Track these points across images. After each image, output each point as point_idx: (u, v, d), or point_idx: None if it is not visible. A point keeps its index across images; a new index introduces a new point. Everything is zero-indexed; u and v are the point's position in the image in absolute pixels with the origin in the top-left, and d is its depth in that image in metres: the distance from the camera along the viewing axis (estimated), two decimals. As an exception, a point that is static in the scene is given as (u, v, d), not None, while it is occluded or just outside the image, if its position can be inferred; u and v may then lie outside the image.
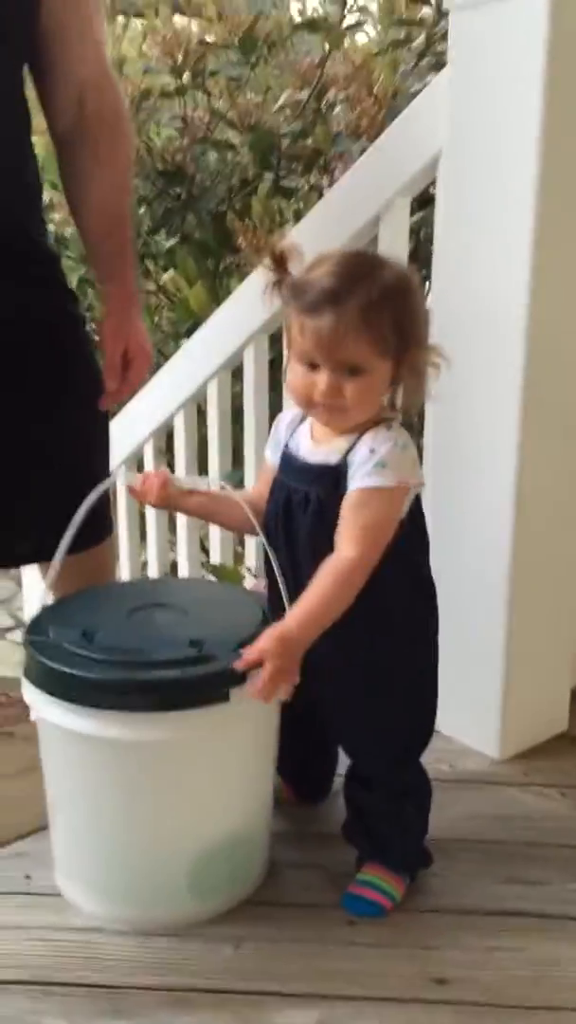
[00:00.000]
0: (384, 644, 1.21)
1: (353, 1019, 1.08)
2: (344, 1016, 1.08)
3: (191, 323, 2.41)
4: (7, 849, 1.35)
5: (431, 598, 1.25)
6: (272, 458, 1.26)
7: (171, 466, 2.33)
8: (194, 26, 2.34)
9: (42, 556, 1.67)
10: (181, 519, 2.27)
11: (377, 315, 1.09)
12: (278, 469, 1.23)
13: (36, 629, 1.22)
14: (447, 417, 1.53)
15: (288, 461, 1.21)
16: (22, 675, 1.20)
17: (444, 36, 2.28)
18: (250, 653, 1.10)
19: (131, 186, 1.58)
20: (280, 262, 1.14)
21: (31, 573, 2.34)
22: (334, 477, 1.16)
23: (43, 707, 1.15)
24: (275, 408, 2.08)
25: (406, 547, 1.19)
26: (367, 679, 1.22)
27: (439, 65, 2.31)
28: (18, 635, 3.85)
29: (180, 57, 2.27)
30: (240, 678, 1.12)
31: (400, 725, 1.26)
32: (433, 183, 1.62)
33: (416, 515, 1.21)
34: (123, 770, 1.16)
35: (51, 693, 1.14)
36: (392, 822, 1.27)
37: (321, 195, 2.28)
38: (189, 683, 1.11)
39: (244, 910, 1.24)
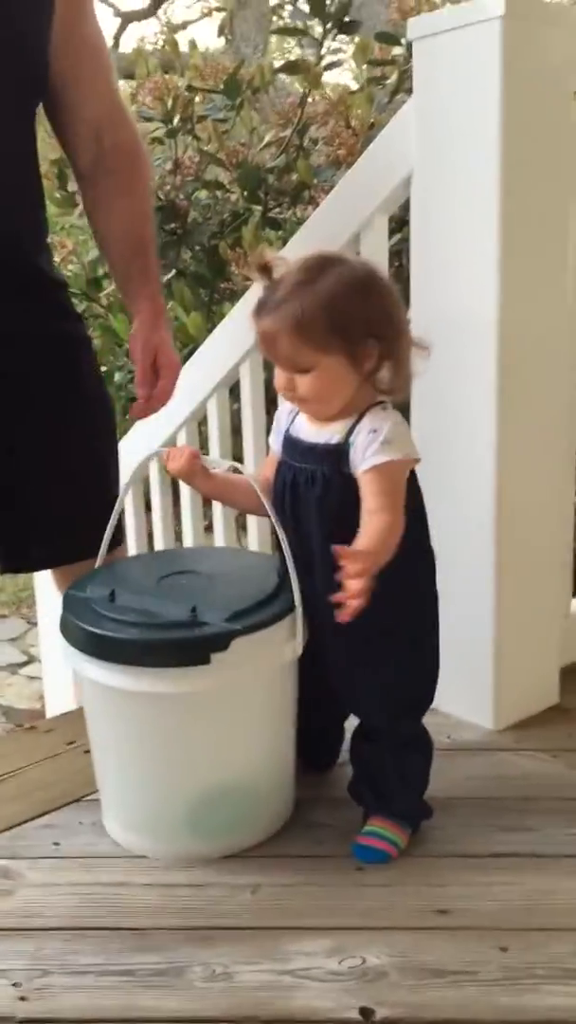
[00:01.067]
0: (389, 607, 1.29)
1: (364, 946, 1.17)
2: (355, 944, 1.18)
3: (189, 349, 2.56)
4: (37, 822, 1.45)
5: (431, 567, 1.37)
6: (275, 445, 1.38)
7: (175, 482, 2.45)
8: (180, 80, 2.51)
9: (56, 561, 1.79)
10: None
11: (311, 320, 1.20)
12: (282, 453, 1.35)
13: (78, 586, 1.39)
14: (430, 412, 1.65)
15: (293, 444, 1.33)
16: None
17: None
18: (349, 577, 1.18)
19: (152, 212, 1.70)
20: (266, 271, 1.26)
21: (45, 584, 2.41)
22: (337, 455, 1.27)
23: (69, 655, 1.32)
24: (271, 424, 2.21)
25: (409, 521, 1.29)
26: (373, 640, 1.31)
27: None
28: (32, 669, 3.96)
29: (170, 102, 2.43)
30: (223, 644, 1.24)
31: (403, 682, 1.36)
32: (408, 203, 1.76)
33: (414, 489, 1.32)
34: (127, 716, 1.33)
35: (72, 644, 1.31)
36: (395, 774, 1.37)
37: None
38: (175, 644, 1.25)
39: (259, 861, 1.34)
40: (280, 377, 1.27)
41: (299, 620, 1.31)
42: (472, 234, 1.54)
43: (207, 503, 2.40)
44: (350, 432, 1.27)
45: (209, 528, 2.49)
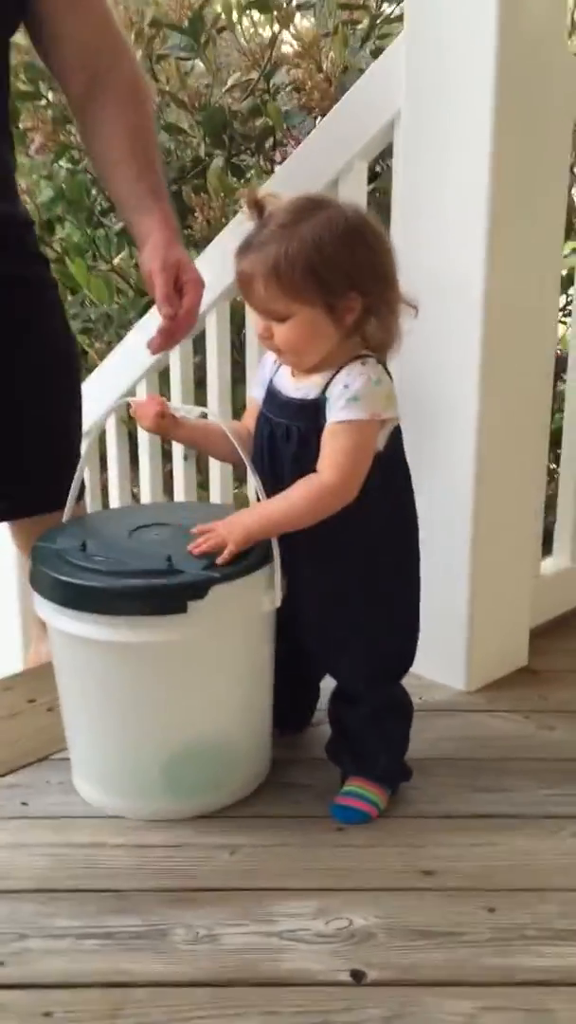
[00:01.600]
0: (371, 573, 1.29)
1: (350, 906, 1.15)
2: (341, 905, 1.15)
3: (148, 299, 2.47)
4: (1, 781, 1.39)
5: (413, 529, 1.33)
6: (258, 395, 1.32)
7: (132, 435, 2.38)
8: (146, 10, 2.40)
9: (15, 513, 1.72)
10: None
11: (289, 266, 1.14)
12: (263, 404, 1.30)
13: (47, 537, 1.33)
14: (410, 375, 1.61)
15: (272, 397, 1.28)
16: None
17: (387, 20, 2.39)
18: (202, 534, 1.22)
19: (155, 131, 1.60)
20: (257, 208, 1.20)
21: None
22: (313, 410, 1.22)
23: (39, 605, 1.28)
24: (237, 376, 2.15)
25: (388, 481, 1.27)
26: (354, 606, 1.29)
27: (379, 51, 2.41)
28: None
29: (133, 36, 2.32)
30: (200, 592, 1.19)
31: (385, 648, 1.33)
32: (388, 150, 1.71)
33: (399, 452, 1.28)
34: (101, 669, 1.28)
35: (44, 595, 1.26)
36: (375, 737, 1.34)
37: (272, 171, 2.36)
38: (150, 592, 1.21)
39: (236, 821, 1.30)
40: (258, 323, 1.21)
41: (277, 570, 1.27)
42: (463, 179, 1.48)
43: (167, 458, 2.34)
44: (327, 386, 1.22)
45: (168, 484, 2.44)
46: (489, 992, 1.03)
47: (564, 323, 1.97)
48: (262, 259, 1.15)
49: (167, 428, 1.32)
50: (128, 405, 1.37)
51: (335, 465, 1.20)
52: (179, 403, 1.32)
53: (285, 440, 1.26)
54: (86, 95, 1.51)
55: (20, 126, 2.60)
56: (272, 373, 1.31)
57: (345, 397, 1.19)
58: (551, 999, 1.02)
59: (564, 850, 1.25)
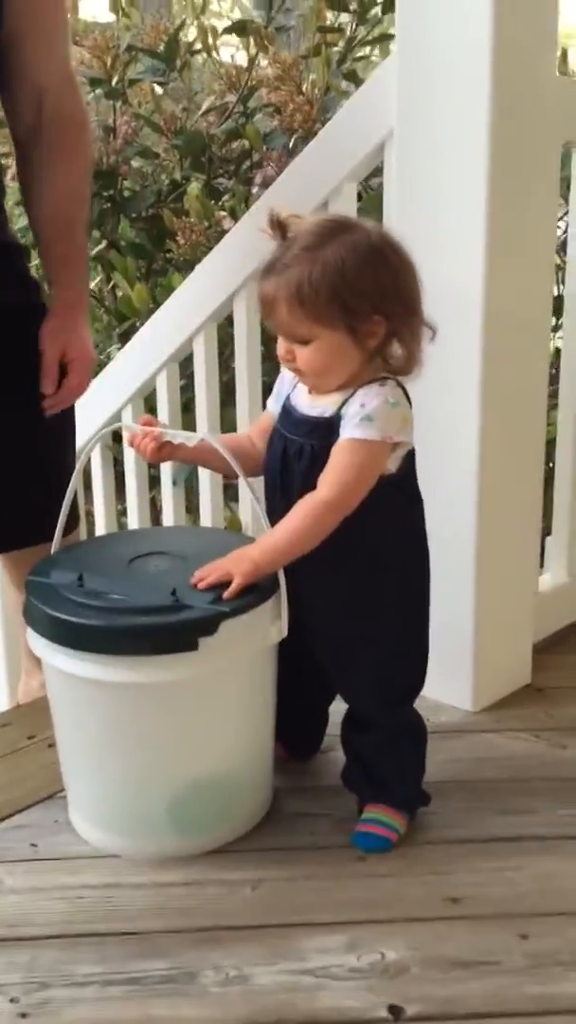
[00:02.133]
0: (380, 594, 1.27)
1: (380, 939, 1.12)
2: (371, 937, 1.12)
3: (128, 325, 2.45)
4: (7, 823, 1.35)
5: (424, 552, 1.31)
6: (274, 408, 1.30)
7: (118, 460, 2.35)
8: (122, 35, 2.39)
9: (3, 546, 1.68)
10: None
11: (312, 290, 1.13)
12: (278, 420, 1.28)
13: (40, 570, 1.28)
14: (412, 393, 1.60)
15: (288, 413, 1.27)
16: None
17: (362, 43, 2.40)
18: (207, 570, 1.19)
19: (87, 194, 1.59)
20: (280, 228, 1.17)
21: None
22: (327, 428, 1.21)
23: (33, 640, 1.24)
24: (226, 399, 2.13)
25: (398, 504, 1.25)
26: (365, 626, 1.27)
27: (352, 73, 2.42)
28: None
29: (109, 61, 2.31)
30: (211, 627, 1.16)
31: (395, 669, 1.31)
32: (378, 170, 1.70)
33: (411, 475, 1.27)
34: (104, 709, 1.24)
35: (37, 630, 1.23)
36: (391, 762, 1.32)
37: (250, 194, 2.36)
38: (159, 630, 1.16)
39: (254, 855, 1.27)
40: (281, 345, 1.20)
41: (283, 600, 1.24)
42: (458, 198, 1.47)
43: (154, 483, 2.31)
44: (343, 404, 1.20)
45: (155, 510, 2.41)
46: (535, 1022, 1.01)
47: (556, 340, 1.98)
48: (285, 283, 1.13)
49: (168, 455, 1.29)
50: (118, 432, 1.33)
51: (336, 481, 1.18)
52: (171, 430, 1.29)
53: (297, 457, 1.24)
54: (31, 137, 1.49)
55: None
56: (289, 389, 1.29)
57: (360, 416, 1.17)
58: (596, 1027, 1.00)
59: (590, 871, 1.24)
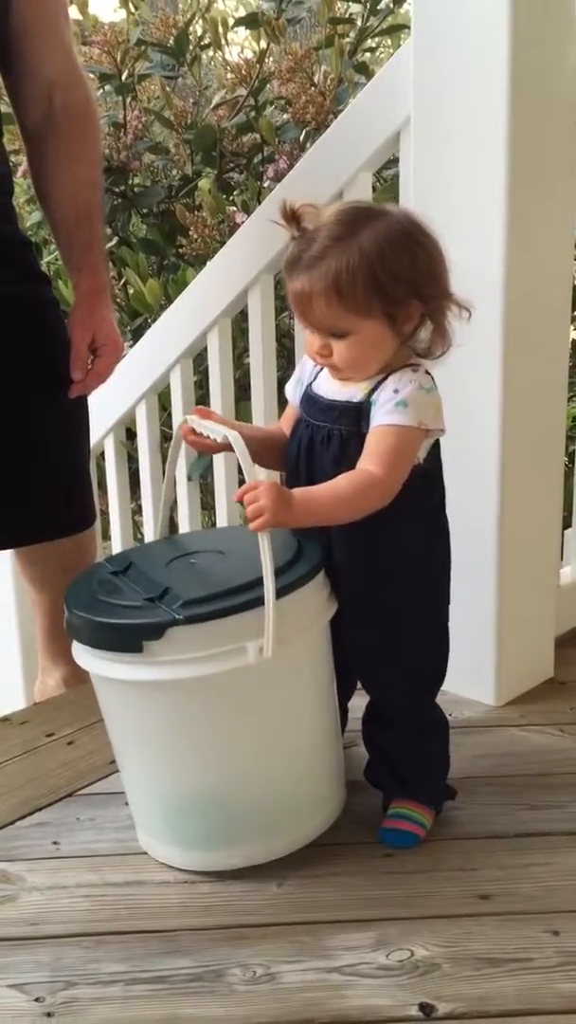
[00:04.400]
0: (409, 587, 1.24)
1: (408, 936, 1.10)
2: (399, 935, 1.11)
3: (141, 321, 2.44)
4: (29, 820, 1.34)
5: (446, 543, 1.29)
6: (292, 396, 1.28)
7: (132, 458, 2.33)
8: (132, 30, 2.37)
9: (19, 541, 1.67)
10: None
11: (351, 280, 1.09)
12: (300, 409, 1.25)
13: (89, 572, 1.27)
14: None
15: (312, 401, 1.23)
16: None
17: (373, 34, 2.38)
18: (247, 489, 1.10)
19: (101, 180, 1.60)
20: (295, 219, 1.14)
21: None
22: (357, 414, 1.18)
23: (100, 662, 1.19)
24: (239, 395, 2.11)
25: (426, 494, 1.23)
26: (394, 620, 1.25)
27: (363, 65, 2.40)
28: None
29: (119, 56, 2.30)
30: (157, 633, 1.09)
31: (420, 663, 1.29)
32: (394, 160, 1.68)
33: (437, 466, 1.24)
34: (108, 702, 1.23)
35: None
36: (417, 757, 1.30)
37: (262, 188, 2.34)
38: (114, 628, 1.13)
39: (280, 853, 1.25)
40: (314, 342, 1.16)
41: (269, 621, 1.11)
42: (477, 185, 1.45)
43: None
44: (374, 389, 1.17)
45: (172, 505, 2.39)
46: (567, 1020, 0.99)
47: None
48: (321, 275, 1.10)
49: (218, 448, 1.23)
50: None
51: (377, 463, 1.14)
52: (211, 422, 1.22)
53: (325, 444, 1.20)
54: (40, 129, 1.49)
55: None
56: (311, 378, 1.26)
57: (394, 401, 1.14)
58: (632, 1024, 0.98)
59: (620, 866, 1.22)
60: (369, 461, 1.15)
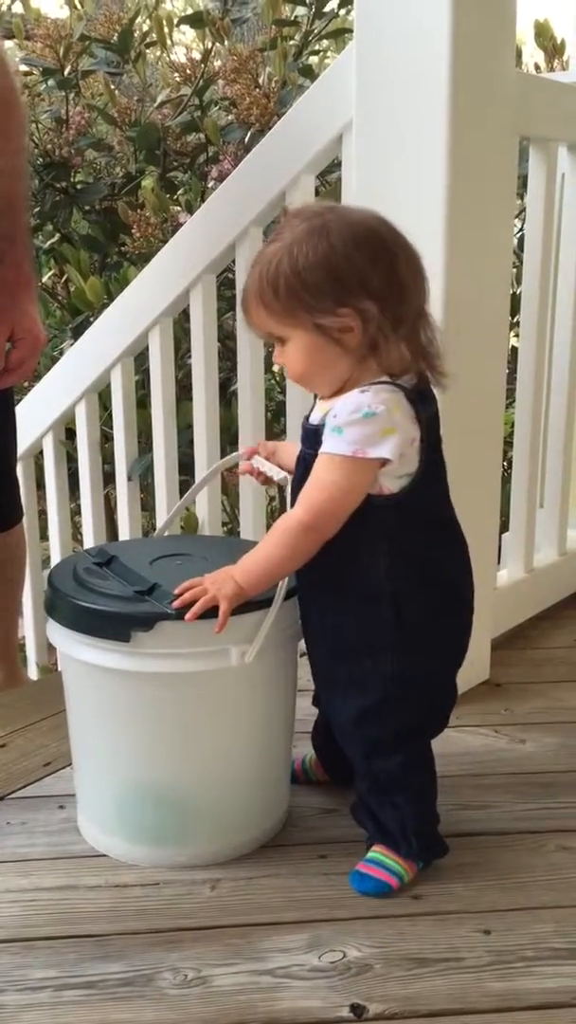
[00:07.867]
0: (368, 629, 1.14)
1: (341, 937, 1.10)
2: (332, 936, 1.11)
3: (82, 319, 2.41)
4: (-42, 824, 1.31)
5: (430, 585, 1.15)
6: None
7: (72, 458, 2.30)
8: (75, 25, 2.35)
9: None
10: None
11: (270, 286, 1.06)
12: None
13: (70, 559, 1.30)
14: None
15: (302, 427, 1.19)
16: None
17: (318, 37, 2.38)
18: (192, 592, 1.12)
19: (24, 171, 1.56)
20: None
21: None
22: (316, 437, 1.11)
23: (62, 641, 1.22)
24: (180, 395, 2.10)
25: (400, 531, 1.11)
26: (347, 665, 1.16)
27: (308, 68, 2.41)
28: None
29: (62, 50, 2.27)
30: (147, 623, 1.12)
31: (381, 716, 1.16)
32: (335, 165, 1.69)
33: (423, 498, 1.12)
34: (77, 684, 1.26)
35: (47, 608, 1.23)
36: (385, 812, 1.20)
37: (205, 188, 2.33)
38: (103, 615, 1.15)
39: (214, 855, 1.25)
40: (275, 348, 1.14)
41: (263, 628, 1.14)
42: (419, 186, 1.46)
43: (108, 480, 2.27)
44: (328, 411, 1.10)
45: (109, 506, 2.36)
46: (498, 1019, 0.99)
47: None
48: (251, 278, 1.09)
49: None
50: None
51: (307, 499, 1.09)
52: (267, 464, 1.28)
53: (301, 468, 1.16)
54: None
55: None
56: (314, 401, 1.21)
57: (330, 427, 1.07)
58: (560, 1022, 0.99)
59: (550, 866, 1.23)
60: (299, 498, 1.11)
